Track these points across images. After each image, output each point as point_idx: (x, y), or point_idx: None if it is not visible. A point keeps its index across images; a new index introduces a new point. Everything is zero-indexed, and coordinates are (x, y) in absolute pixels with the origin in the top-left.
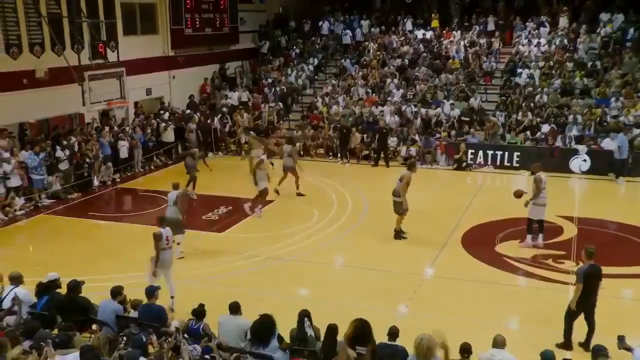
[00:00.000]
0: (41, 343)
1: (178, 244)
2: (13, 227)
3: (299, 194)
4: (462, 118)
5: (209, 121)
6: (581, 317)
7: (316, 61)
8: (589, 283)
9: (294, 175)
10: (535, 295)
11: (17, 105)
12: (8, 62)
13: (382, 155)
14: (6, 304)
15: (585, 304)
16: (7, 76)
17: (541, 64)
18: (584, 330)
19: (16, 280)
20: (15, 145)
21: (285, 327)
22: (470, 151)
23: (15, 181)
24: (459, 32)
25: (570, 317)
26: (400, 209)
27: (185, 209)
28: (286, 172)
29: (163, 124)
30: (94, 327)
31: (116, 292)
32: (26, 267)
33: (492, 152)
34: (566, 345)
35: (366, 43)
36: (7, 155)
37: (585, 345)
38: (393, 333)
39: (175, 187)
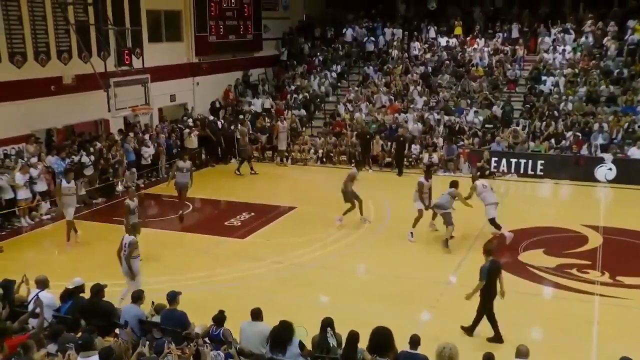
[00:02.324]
0: (66, 345)
1: None
2: (39, 231)
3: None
4: (486, 126)
5: (231, 127)
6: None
7: (339, 68)
8: (491, 278)
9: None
10: (559, 305)
11: (44, 111)
12: (37, 69)
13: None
14: (32, 306)
15: (491, 297)
16: (36, 83)
17: (566, 71)
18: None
19: (42, 284)
20: (42, 150)
21: (308, 334)
22: (493, 159)
23: (41, 186)
24: (483, 39)
25: (487, 314)
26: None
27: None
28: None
29: (187, 131)
30: (117, 331)
31: (137, 297)
32: (51, 271)
33: (515, 160)
34: (496, 338)
35: (389, 50)
36: (34, 160)
37: (468, 330)
38: (415, 341)
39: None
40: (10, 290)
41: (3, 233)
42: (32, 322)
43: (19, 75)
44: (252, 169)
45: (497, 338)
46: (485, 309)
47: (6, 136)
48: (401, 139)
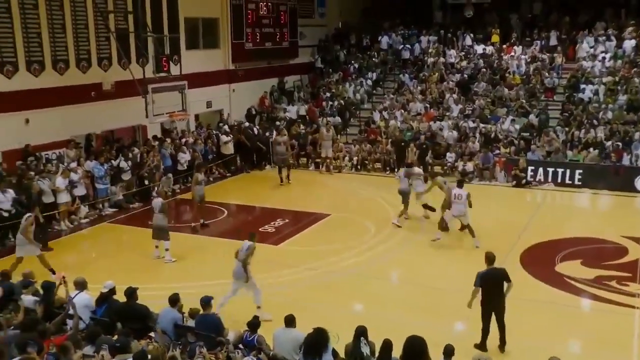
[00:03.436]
0: (101, 347)
1: (167, 250)
2: (78, 234)
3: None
4: (522, 134)
5: (267, 134)
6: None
7: (374, 76)
8: (488, 286)
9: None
10: (596, 317)
11: (84, 117)
12: (78, 76)
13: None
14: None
15: (488, 306)
16: (77, 89)
17: (606, 79)
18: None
19: (81, 285)
20: (82, 155)
21: (340, 341)
22: (530, 168)
23: (80, 190)
24: (520, 47)
25: (483, 320)
26: None
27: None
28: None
29: (223, 137)
30: (152, 334)
31: (174, 300)
32: (89, 274)
33: (552, 169)
34: (481, 345)
35: (425, 58)
36: (74, 164)
37: (500, 346)
38: (449, 352)
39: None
40: (51, 291)
41: (41, 236)
42: (71, 324)
43: (61, 82)
44: (288, 177)
45: (482, 346)
46: (482, 316)
47: (48, 141)
48: (424, 146)
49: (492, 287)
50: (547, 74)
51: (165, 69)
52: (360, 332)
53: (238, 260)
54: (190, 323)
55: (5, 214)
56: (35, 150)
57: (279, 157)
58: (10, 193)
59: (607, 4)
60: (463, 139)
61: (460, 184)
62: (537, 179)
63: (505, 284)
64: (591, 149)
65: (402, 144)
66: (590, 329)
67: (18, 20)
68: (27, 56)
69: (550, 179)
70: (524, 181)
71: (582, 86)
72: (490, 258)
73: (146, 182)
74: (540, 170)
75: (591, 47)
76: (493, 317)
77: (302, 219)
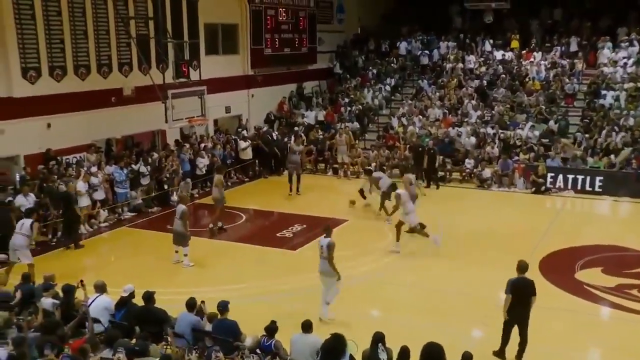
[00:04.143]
0: (117, 350)
1: (185, 255)
2: (97, 238)
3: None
4: (542, 140)
5: (285, 139)
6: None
7: (393, 81)
8: (518, 295)
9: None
10: (617, 326)
11: (105, 121)
12: (99, 81)
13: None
14: (92, 311)
15: (513, 314)
16: (98, 94)
17: (627, 85)
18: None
19: (100, 288)
20: (102, 159)
21: (358, 347)
22: (549, 175)
23: (100, 194)
24: (540, 53)
25: (504, 328)
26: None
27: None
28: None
29: (242, 142)
30: (169, 339)
31: (192, 305)
32: (107, 277)
33: (572, 176)
34: (499, 353)
35: (444, 64)
36: (94, 169)
37: (517, 358)
38: (467, 358)
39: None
40: (71, 294)
41: (63, 239)
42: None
43: (82, 87)
44: (297, 189)
45: (501, 354)
46: (504, 323)
47: (69, 145)
48: (431, 151)
49: (520, 296)
50: (567, 80)
51: (185, 74)
52: (378, 339)
53: (323, 259)
54: (208, 328)
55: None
56: (56, 155)
57: (291, 165)
58: (32, 197)
59: (629, 9)
60: (482, 145)
61: (395, 187)
62: (556, 186)
63: (532, 297)
64: (612, 156)
65: (420, 149)
66: (611, 337)
67: (42, 27)
68: (50, 62)
69: (570, 186)
70: (543, 188)
71: (603, 92)
72: (522, 266)
73: (165, 186)
74: (560, 176)
75: (612, 53)
76: (515, 328)
77: (320, 224)
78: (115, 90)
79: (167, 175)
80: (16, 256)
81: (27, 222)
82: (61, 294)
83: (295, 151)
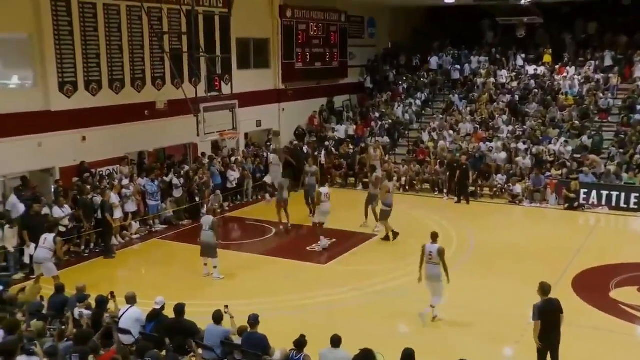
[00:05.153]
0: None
1: (215, 267)
2: (129, 250)
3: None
4: (575, 156)
5: (316, 153)
6: None
7: (424, 96)
8: (547, 318)
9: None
10: None
11: (138, 134)
12: (133, 94)
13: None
14: (123, 323)
15: (546, 340)
16: (131, 108)
17: None
18: None
19: (131, 300)
20: (134, 172)
21: None
22: (583, 190)
23: (132, 206)
24: (573, 67)
25: (539, 356)
26: None
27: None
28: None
29: (271, 155)
30: (199, 351)
31: (219, 317)
32: (139, 289)
33: (607, 192)
34: None
35: (475, 78)
36: (126, 181)
37: None
38: None
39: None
40: (104, 305)
41: (97, 250)
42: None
43: (117, 101)
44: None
45: None
46: (538, 350)
47: (102, 158)
48: (464, 167)
49: (549, 320)
50: (601, 94)
51: (217, 88)
52: (407, 356)
53: (432, 264)
54: (237, 341)
55: (63, 229)
56: (90, 167)
57: (305, 187)
58: (67, 208)
59: None
60: (513, 160)
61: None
62: (590, 202)
63: (560, 316)
64: None
65: (455, 164)
66: None
67: (79, 42)
68: (86, 76)
69: (604, 202)
70: (576, 204)
71: (639, 107)
72: (544, 289)
73: (196, 199)
74: (594, 192)
75: None
76: None
77: (349, 238)
78: (149, 103)
79: (197, 187)
80: (40, 270)
81: (49, 236)
82: (94, 305)
83: (308, 172)
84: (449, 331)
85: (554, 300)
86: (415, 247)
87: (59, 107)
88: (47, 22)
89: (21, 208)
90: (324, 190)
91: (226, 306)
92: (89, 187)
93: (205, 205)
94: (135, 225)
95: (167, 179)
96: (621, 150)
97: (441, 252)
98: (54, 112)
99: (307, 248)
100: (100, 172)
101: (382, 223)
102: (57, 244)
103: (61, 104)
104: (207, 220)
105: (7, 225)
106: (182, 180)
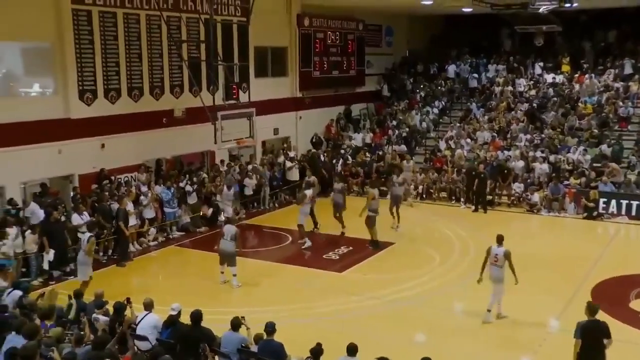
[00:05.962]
0: None
1: (234, 275)
2: (146, 256)
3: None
4: (594, 165)
5: (333, 161)
6: None
7: (441, 104)
8: (589, 339)
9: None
10: None
11: (156, 142)
12: (151, 102)
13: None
14: (141, 329)
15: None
16: (150, 115)
17: None
18: None
19: (149, 306)
20: (152, 179)
21: None
22: (602, 200)
23: (149, 213)
24: (592, 75)
25: None
26: None
27: (241, 243)
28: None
29: (288, 163)
30: (216, 358)
31: (237, 325)
32: (156, 295)
33: (626, 201)
34: None
35: (493, 87)
36: (144, 189)
37: None
38: None
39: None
40: (122, 312)
41: (115, 257)
42: (139, 344)
43: (135, 109)
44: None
45: None
46: None
47: (120, 165)
48: (482, 175)
49: (592, 342)
50: (621, 103)
51: (234, 96)
52: None
53: (497, 267)
54: (254, 348)
55: (81, 236)
56: (109, 174)
57: (334, 205)
58: (86, 215)
59: None
60: (531, 169)
61: (307, 186)
62: (609, 211)
63: (605, 340)
64: None
65: (474, 173)
66: None
67: (99, 51)
68: (106, 84)
69: (624, 212)
70: (595, 213)
71: None
72: (592, 309)
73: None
74: (613, 202)
75: None
76: None
77: (365, 247)
78: (167, 111)
79: (214, 192)
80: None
81: (84, 236)
82: (111, 311)
83: (335, 190)
84: (467, 340)
85: (601, 322)
86: (432, 256)
87: (79, 114)
88: (68, 31)
89: (41, 214)
90: (309, 192)
91: (242, 317)
92: (106, 193)
93: (223, 213)
94: (153, 232)
95: (181, 185)
96: None
97: (507, 255)
98: (74, 119)
99: (324, 256)
100: (119, 179)
101: (370, 229)
102: (88, 243)
103: (81, 111)
104: (229, 229)
105: (28, 231)
106: (195, 186)
